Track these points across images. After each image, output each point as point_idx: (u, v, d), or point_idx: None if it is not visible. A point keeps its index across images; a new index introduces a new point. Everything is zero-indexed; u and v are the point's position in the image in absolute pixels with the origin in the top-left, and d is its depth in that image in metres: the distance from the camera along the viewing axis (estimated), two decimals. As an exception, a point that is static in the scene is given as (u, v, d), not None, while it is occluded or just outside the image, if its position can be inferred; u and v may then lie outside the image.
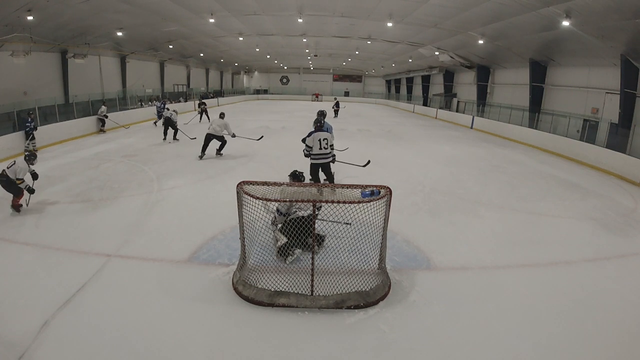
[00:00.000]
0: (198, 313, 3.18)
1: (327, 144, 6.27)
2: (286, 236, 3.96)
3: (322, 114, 6.48)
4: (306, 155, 6.36)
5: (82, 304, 3.24)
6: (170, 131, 11.62)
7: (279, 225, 4.25)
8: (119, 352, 2.70)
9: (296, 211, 4.07)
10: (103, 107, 14.16)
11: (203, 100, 20.37)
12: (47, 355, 2.66)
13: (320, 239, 4.11)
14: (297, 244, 3.89)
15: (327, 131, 6.51)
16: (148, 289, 3.51)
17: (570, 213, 6.12)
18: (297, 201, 3.31)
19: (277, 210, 4.16)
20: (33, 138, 9.82)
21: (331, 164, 6.46)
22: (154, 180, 7.14)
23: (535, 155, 11.63)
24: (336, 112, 21.33)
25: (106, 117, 14.02)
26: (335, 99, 24.38)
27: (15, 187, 5.26)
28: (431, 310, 3.30)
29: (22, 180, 5.27)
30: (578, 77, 14.04)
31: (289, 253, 3.97)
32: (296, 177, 4.75)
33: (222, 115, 9.79)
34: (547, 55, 14.66)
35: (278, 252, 4.02)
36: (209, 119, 16.51)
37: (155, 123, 16.14)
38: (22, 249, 4.26)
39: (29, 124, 9.73)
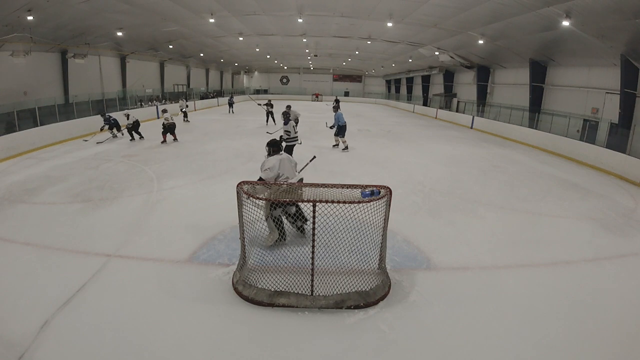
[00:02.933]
0: (198, 313, 3.18)
1: (296, 129, 8.20)
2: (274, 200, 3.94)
3: (289, 107, 8.83)
4: (285, 139, 7.87)
5: (82, 304, 3.24)
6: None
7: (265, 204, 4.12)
8: (119, 352, 2.70)
9: (287, 179, 4.23)
10: (182, 101, 17.71)
11: (270, 102, 17.21)
12: (47, 355, 2.65)
13: (303, 219, 4.28)
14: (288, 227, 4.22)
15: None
16: (148, 289, 3.51)
17: (570, 213, 6.12)
18: (296, 201, 3.30)
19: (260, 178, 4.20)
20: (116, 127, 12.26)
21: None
22: (154, 180, 7.14)
23: (535, 155, 11.63)
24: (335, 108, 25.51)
25: (187, 107, 17.11)
26: (336, 97, 28.21)
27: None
28: (431, 310, 3.30)
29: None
30: (578, 77, 14.04)
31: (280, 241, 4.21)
32: (275, 144, 4.52)
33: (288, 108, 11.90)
34: (547, 55, 14.66)
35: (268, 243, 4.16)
36: (274, 121, 15.94)
37: (229, 111, 22.44)
38: (22, 249, 4.25)
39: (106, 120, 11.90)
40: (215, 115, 20.36)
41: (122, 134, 12.26)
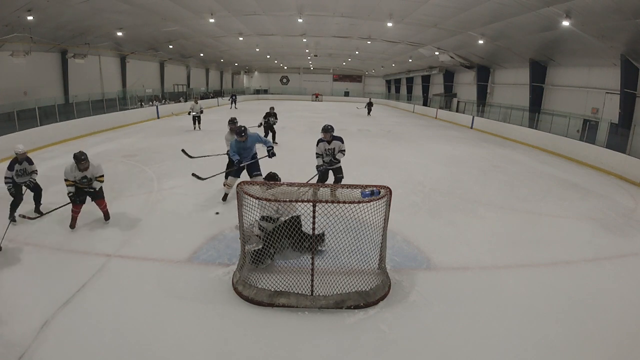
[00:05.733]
0: (198, 313, 3.18)
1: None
2: (266, 242, 3.76)
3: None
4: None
5: (82, 304, 3.24)
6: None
7: (259, 230, 3.90)
8: (119, 352, 2.70)
9: (279, 217, 3.83)
10: (195, 104, 14.65)
11: (274, 110, 11.41)
12: (47, 355, 2.65)
13: (320, 238, 3.92)
14: (279, 250, 3.86)
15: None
16: (148, 289, 3.51)
17: (570, 213, 6.12)
18: (296, 201, 3.30)
19: (263, 217, 3.81)
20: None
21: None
22: (154, 180, 7.14)
23: (535, 155, 11.63)
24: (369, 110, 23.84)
25: (201, 111, 14.51)
26: (369, 99, 26.64)
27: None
28: (431, 310, 3.30)
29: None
30: (578, 77, 14.04)
31: (262, 260, 3.78)
32: (271, 177, 4.44)
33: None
34: (547, 55, 14.66)
35: (252, 256, 3.75)
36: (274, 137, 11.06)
37: (230, 108, 25.20)
38: (22, 249, 4.25)
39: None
40: (215, 115, 20.35)
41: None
